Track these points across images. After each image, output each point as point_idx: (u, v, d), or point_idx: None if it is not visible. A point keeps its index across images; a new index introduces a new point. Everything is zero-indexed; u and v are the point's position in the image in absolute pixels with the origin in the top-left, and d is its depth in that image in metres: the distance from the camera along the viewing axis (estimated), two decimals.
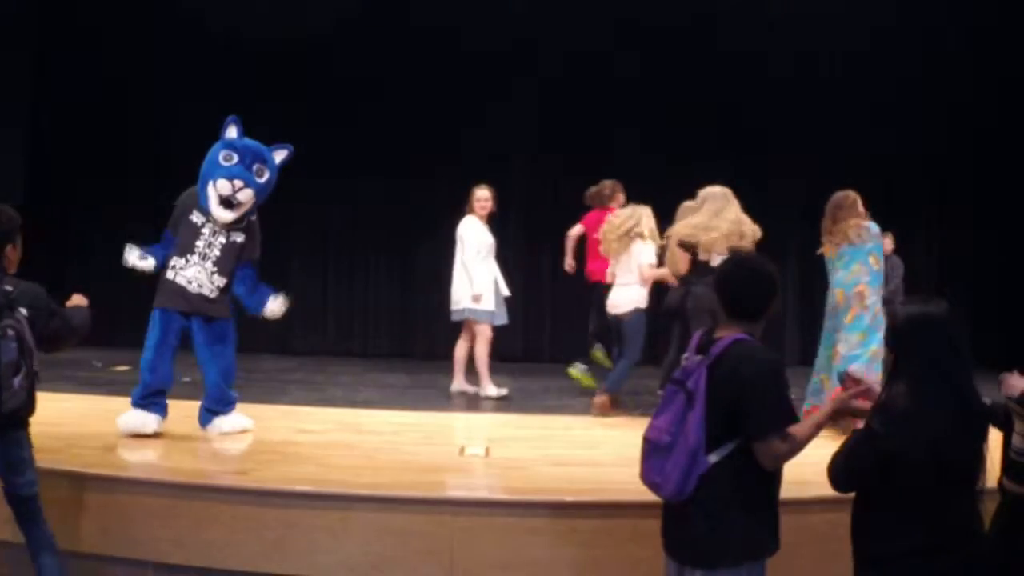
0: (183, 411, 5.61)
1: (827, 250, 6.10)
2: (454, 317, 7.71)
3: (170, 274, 5.31)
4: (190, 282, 5.29)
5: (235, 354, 5.52)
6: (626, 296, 6.75)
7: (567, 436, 5.92)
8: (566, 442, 5.75)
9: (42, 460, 4.49)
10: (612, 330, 7.03)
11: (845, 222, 5.95)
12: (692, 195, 6.85)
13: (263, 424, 5.72)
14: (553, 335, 10.73)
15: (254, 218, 5.47)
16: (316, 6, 10.16)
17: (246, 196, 5.25)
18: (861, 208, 6.08)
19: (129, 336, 9.77)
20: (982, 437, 2.89)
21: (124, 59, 10.35)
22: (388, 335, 10.88)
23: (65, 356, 9.20)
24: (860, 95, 10.11)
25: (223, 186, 5.22)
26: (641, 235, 6.76)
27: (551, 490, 4.32)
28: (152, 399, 5.30)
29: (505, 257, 10.82)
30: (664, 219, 6.93)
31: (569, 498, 4.22)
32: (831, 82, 10.14)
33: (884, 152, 10.03)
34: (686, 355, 3.08)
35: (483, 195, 7.72)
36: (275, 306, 5.48)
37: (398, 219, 10.74)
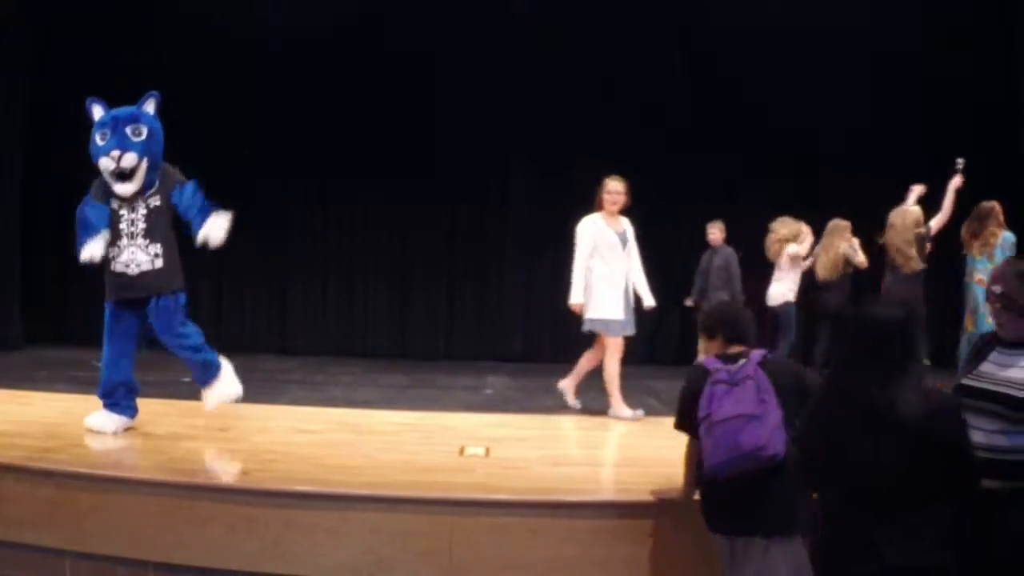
0: (183, 410, 5.61)
1: (974, 251, 7.32)
2: (584, 328, 6.64)
3: (112, 266, 5.22)
4: (128, 265, 5.18)
5: (190, 320, 5.37)
6: (778, 290, 8.53)
7: (567, 436, 5.92)
8: (566, 442, 5.75)
9: (43, 460, 4.51)
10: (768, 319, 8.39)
11: (988, 230, 7.26)
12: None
13: (263, 424, 5.72)
14: (553, 335, 10.72)
15: (161, 172, 5.34)
16: (316, 5, 10.16)
17: (130, 160, 5.15)
18: (1000, 218, 7.37)
19: None
20: (905, 445, 2.72)
21: (125, 56, 10.34)
22: (388, 335, 10.88)
23: (65, 356, 9.27)
24: (860, 95, 10.11)
25: (105, 163, 5.17)
26: (787, 241, 8.60)
27: (551, 490, 4.32)
28: (116, 398, 5.24)
29: (505, 257, 10.91)
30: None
31: (569, 498, 4.22)
32: (831, 81, 10.13)
33: (885, 152, 10.02)
34: (717, 366, 3.51)
35: (614, 187, 6.68)
36: (218, 223, 5.22)
37: (398, 219, 10.74)
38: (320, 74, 10.24)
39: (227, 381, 5.43)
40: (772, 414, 3.34)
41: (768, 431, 3.30)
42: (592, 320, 6.49)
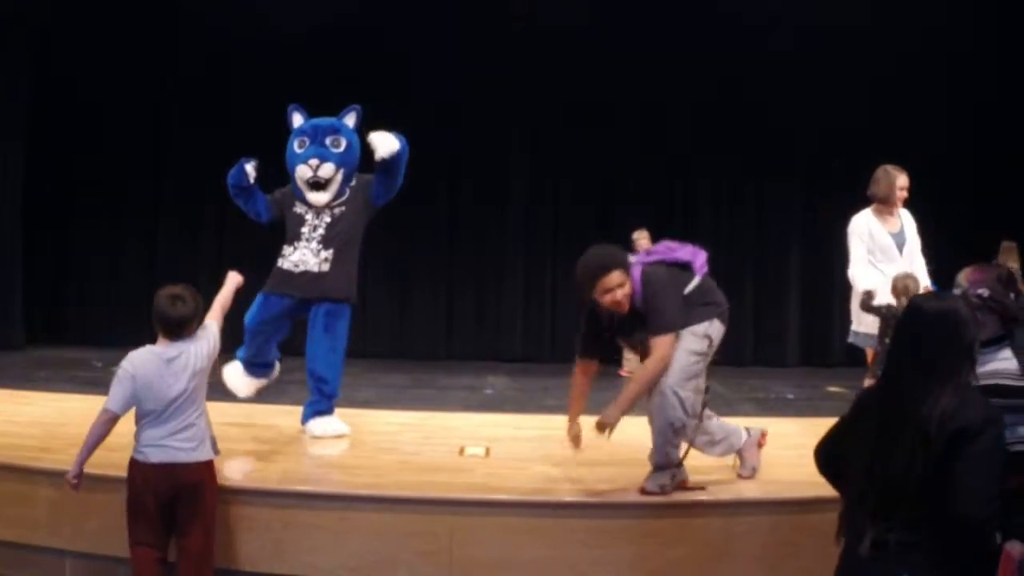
0: None
1: None
2: (848, 339, 6.13)
3: (279, 262, 5.28)
4: (296, 265, 5.22)
5: (343, 348, 5.31)
6: None
7: (567, 436, 5.91)
8: (566, 442, 5.74)
9: (44, 460, 4.51)
10: None
11: None
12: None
13: (264, 424, 5.72)
14: (553, 335, 10.73)
15: (353, 183, 5.35)
16: (316, 4, 10.18)
17: (327, 171, 5.20)
18: None
19: (128, 336, 9.78)
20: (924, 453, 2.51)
21: (125, 57, 10.36)
22: (388, 335, 10.88)
23: (65, 356, 9.27)
24: (860, 93, 10.11)
25: (302, 171, 5.23)
26: None
27: (551, 490, 4.32)
28: (254, 367, 5.41)
29: (505, 257, 10.90)
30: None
31: (569, 498, 4.22)
32: (831, 81, 10.13)
33: (884, 150, 10.02)
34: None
35: (903, 182, 5.88)
36: (387, 139, 5.23)
37: (398, 218, 10.73)
38: (320, 73, 10.24)
39: (336, 420, 5.38)
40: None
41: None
42: (856, 333, 5.93)
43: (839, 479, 2.82)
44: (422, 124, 10.48)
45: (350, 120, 5.40)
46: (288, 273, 5.23)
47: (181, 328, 3.84)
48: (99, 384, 7.31)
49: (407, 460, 4.91)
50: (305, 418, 5.39)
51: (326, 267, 5.20)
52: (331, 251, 5.21)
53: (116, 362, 3.99)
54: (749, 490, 4.28)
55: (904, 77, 10.08)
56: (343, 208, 5.27)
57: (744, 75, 10.16)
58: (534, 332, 10.82)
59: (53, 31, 10.40)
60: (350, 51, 10.34)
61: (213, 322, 4.07)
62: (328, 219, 5.25)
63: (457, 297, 10.93)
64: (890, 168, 5.94)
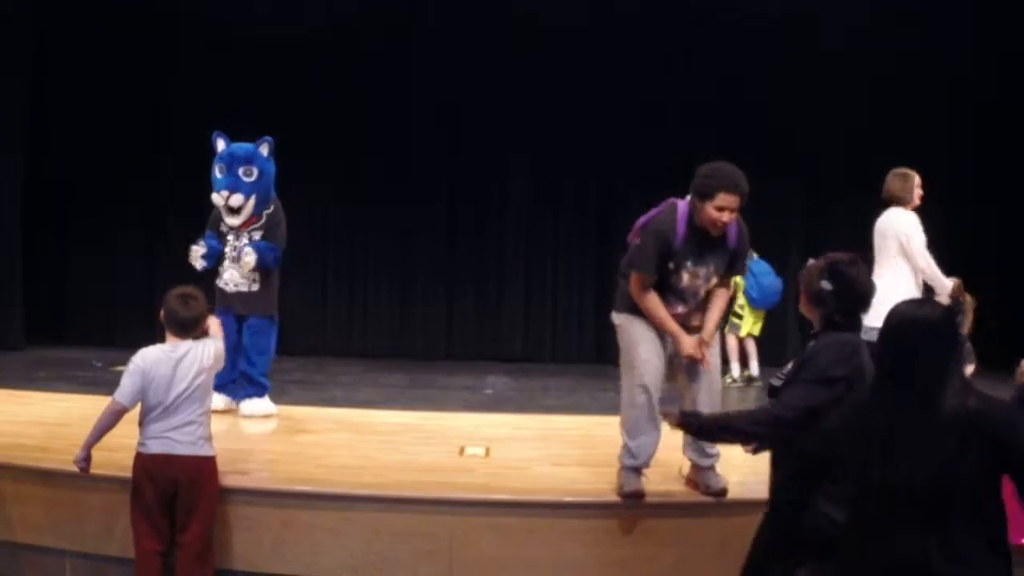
0: None
1: None
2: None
3: (216, 280, 5.80)
4: (227, 283, 5.76)
5: (272, 347, 6.01)
6: None
7: (567, 436, 5.92)
8: (566, 442, 5.75)
9: (44, 460, 4.51)
10: None
11: None
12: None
13: (263, 424, 5.73)
14: (553, 335, 10.73)
15: (271, 210, 5.85)
16: (316, 4, 10.17)
17: (237, 200, 5.69)
18: None
19: (128, 336, 9.80)
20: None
21: (124, 57, 10.35)
22: (388, 335, 10.87)
23: (65, 356, 9.27)
24: (859, 89, 10.09)
25: (216, 199, 5.75)
26: None
27: (551, 490, 4.33)
28: (225, 385, 5.78)
29: (505, 257, 10.90)
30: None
31: (569, 498, 4.22)
32: (829, 78, 10.11)
33: (884, 151, 10.01)
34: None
35: (919, 182, 5.98)
36: (247, 258, 5.65)
37: (398, 218, 10.73)
38: (320, 73, 10.24)
39: (267, 402, 5.99)
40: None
41: None
42: None
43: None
44: (422, 124, 10.53)
45: (264, 149, 5.91)
46: (222, 291, 5.77)
47: (193, 327, 4.07)
48: (99, 384, 7.31)
49: (407, 460, 4.92)
50: (238, 399, 5.90)
51: (255, 287, 5.77)
52: (256, 272, 5.75)
53: (116, 362, 4.05)
54: (749, 490, 4.28)
55: (904, 77, 10.07)
56: (260, 234, 5.80)
57: (744, 75, 10.15)
58: (534, 332, 10.81)
59: (52, 31, 10.39)
60: (350, 51, 10.33)
61: (216, 336, 4.29)
62: (247, 240, 5.78)
63: (457, 297, 10.92)
64: (908, 171, 5.98)
